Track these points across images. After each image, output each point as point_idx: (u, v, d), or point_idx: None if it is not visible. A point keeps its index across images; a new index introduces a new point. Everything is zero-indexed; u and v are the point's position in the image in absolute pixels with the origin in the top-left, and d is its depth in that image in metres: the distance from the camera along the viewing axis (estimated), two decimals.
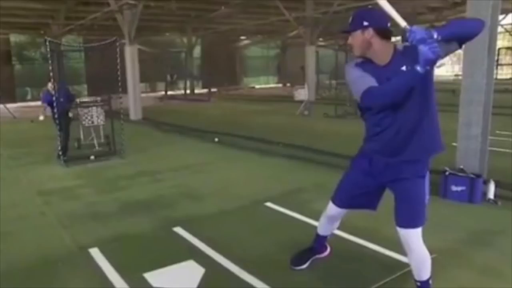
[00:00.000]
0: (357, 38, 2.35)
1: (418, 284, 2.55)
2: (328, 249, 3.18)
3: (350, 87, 2.38)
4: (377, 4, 2.19)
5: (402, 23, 2.10)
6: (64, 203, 5.11)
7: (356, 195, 2.66)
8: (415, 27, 2.00)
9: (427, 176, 2.46)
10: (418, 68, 1.99)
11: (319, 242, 3.11)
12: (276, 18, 18.28)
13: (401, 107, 2.27)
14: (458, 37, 2.11)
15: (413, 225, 2.41)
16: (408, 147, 2.34)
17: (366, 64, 2.36)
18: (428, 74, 2.15)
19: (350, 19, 2.40)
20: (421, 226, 2.42)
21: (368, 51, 2.35)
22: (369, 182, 2.57)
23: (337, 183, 2.78)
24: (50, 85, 7.23)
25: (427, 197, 2.45)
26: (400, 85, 2.17)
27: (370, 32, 2.30)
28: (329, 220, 2.93)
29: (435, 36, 1.96)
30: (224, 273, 3.16)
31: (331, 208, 2.81)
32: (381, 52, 2.33)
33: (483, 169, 4.75)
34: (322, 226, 3.02)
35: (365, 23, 2.30)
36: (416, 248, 2.45)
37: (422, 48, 1.95)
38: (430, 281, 2.55)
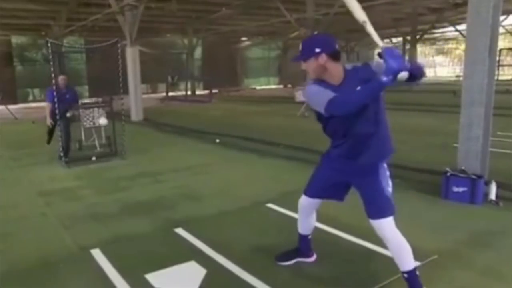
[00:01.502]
0: (311, 65, 2.53)
1: (405, 275, 2.65)
2: (314, 257, 3.29)
3: (311, 100, 2.56)
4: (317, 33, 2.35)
5: (381, 43, 2.35)
6: (65, 204, 5.12)
7: (325, 187, 2.91)
8: (391, 46, 2.28)
9: (383, 170, 2.66)
10: (384, 78, 2.17)
11: (303, 243, 3.24)
12: (277, 19, 18.29)
13: (359, 119, 2.48)
14: (413, 73, 2.25)
15: (383, 215, 2.60)
16: (365, 152, 2.59)
17: (323, 83, 2.53)
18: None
19: (300, 47, 2.58)
20: (391, 216, 2.62)
21: (324, 75, 2.54)
22: (335, 177, 2.83)
23: None
24: (60, 78, 7.31)
25: (389, 188, 2.66)
26: (366, 95, 2.35)
27: (323, 57, 2.49)
28: (304, 213, 3.10)
29: (406, 60, 2.20)
30: (226, 273, 3.16)
31: (303, 199, 3.04)
32: (336, 73, 2.53)
33: (484, 170, 4.75)
34: (301, 224, 3.19)
35: (317, 50, 2.49)
36: (391, 238, 2.62)
37: (389, 60, 2.16)
38: (417, 272, 2.65)
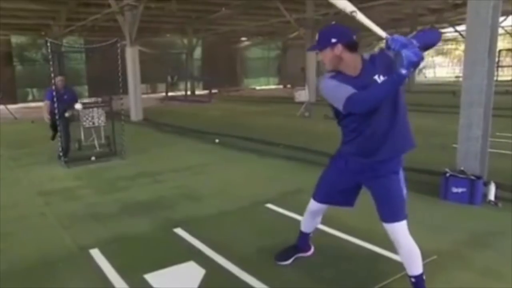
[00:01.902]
0: (327, 55, 2.48)
1: (413, 280, 2.62)
2: (312, 249, 3.30)
3: (328, 96, 2.49)
4: (333, 21, 2.31)
5: (383, 34, 2.29)
6: (65, 203, 5.12)
7: (333, 193, 2.83)
8: (396, 36, 2.18)
9: (401, 172, 2.60)
10: (403, 71, 2.12)
11: (303, 240, 3.23)
12: (276, 19, 18.30)
13: (376, 113, 2.39)
14: (428, 45, 2.25)
15: (397, 219, 2.53)
16: (382, 148, 2.48)
17: (339, 76, 2.46)
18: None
19: (317, 37, 2.53)
20: (405, 219, 2.55)
21: (340, 65, 2.48)
22: (345, 181, 2.75)
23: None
24: (58, 79, 7.31)
25: (404, 191, 2.58)
26: (386, 89, 2.30)
27: (339, 48, 2.43)
28: (311, 215, 3.06)
29: (415, 42, 2.11)
30: (225, 274, 3.16)
31: (312, 204, 2.97)
32: (353, 64, 2.45)
33: (484, 170, 4.75)
34: (305, 223, 3.17)
35: (333, 40, 2.44)
36: (404, 243, 2.56)
37: (406, 52, 2.09)
38: (424, 276, 2.62)
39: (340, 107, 2.35)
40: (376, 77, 2.38)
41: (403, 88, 2.42)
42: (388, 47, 2.18)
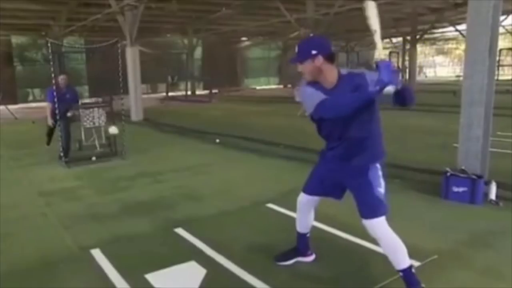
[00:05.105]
0: (307, 66, 2.57)
1: (401, 274, 2.67)
2: (313, 256, 3.31)
3: (305, 102, 2.60)
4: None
5: (381, 55, 2.45)
6: (65, 204, 5.12)
7: (322, 185, 2.94)
8: (389, 61, 2.36)
9: (376, 170, 2.68)
10: (371, 89, 2.29)
11: (302, 241, 3.25)
12: (277, 19, 18.27)
13: (352, 124, 2.55)
14: (402, 97, 2.35)
15: (374, 215, 2.62)
16: (358, 155, 2.64)
17: (316, 85, 2.58)
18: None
19: (297, 49, 2.62)
20: (383, 216, 2.63)
21: (319, 77, 2.57)
22: (331, 177, 2.87)
23: None
24: (60, 78, 7.32)
25: (380, 189, 2.66)
26: (354, 102, 2.43)
27: (320, 59, 2.53)
28: (303, 210, 3.11)
29: (400, 78, 2.27)
30: (226, 274, 3.17)
31: (302, 197, 3.06)
32: (330, 75, 2.57)
33: (485, 170, 4.75)
34: (299, 222, 3.21)
35: (314, 52, 2.53)
36: (383, 237, 2.64)
37: (382, 73, 2.23)
38: (413, 270, 2.66)
39: (312, 111, 2.49)
40: (348, 95, 2.49)
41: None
42: (376, 65, 2.28)
